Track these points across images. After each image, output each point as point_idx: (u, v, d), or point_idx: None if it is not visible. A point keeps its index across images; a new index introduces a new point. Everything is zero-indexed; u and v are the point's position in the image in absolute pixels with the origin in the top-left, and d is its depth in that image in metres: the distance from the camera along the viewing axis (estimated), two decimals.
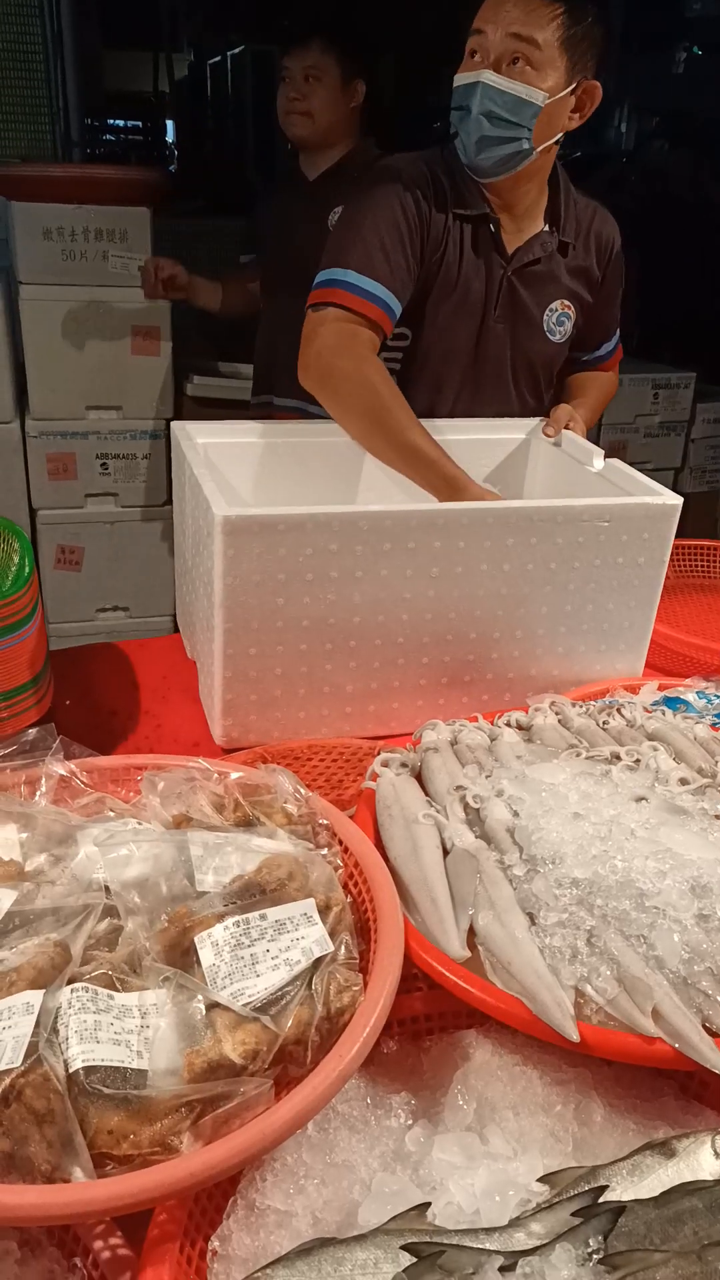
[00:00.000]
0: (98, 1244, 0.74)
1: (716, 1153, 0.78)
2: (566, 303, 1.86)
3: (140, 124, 7.63)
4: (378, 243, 1.62)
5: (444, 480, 1.56)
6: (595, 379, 2.06)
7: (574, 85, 1.62)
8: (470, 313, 1.78)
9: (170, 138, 7.32)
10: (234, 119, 6.43)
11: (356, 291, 1.61)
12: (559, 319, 1.86)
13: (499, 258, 1.76)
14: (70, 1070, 0.74)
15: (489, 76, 1.59)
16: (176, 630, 1.83)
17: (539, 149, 1.65)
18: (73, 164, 3.95)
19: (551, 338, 1.87)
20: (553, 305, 1.84)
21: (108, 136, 6.31)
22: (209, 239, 3.99)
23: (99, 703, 1.57)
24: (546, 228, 1.80)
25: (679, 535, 2.03)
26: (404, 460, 1.60)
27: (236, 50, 6.27)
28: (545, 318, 1.84)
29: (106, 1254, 0.74)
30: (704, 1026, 0.84)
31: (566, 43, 1.57)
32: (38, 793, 1.05)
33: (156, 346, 3.00)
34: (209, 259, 3.91)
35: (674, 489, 1.52)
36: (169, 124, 7.42)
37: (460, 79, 1.63)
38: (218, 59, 6.61)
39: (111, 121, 6.51)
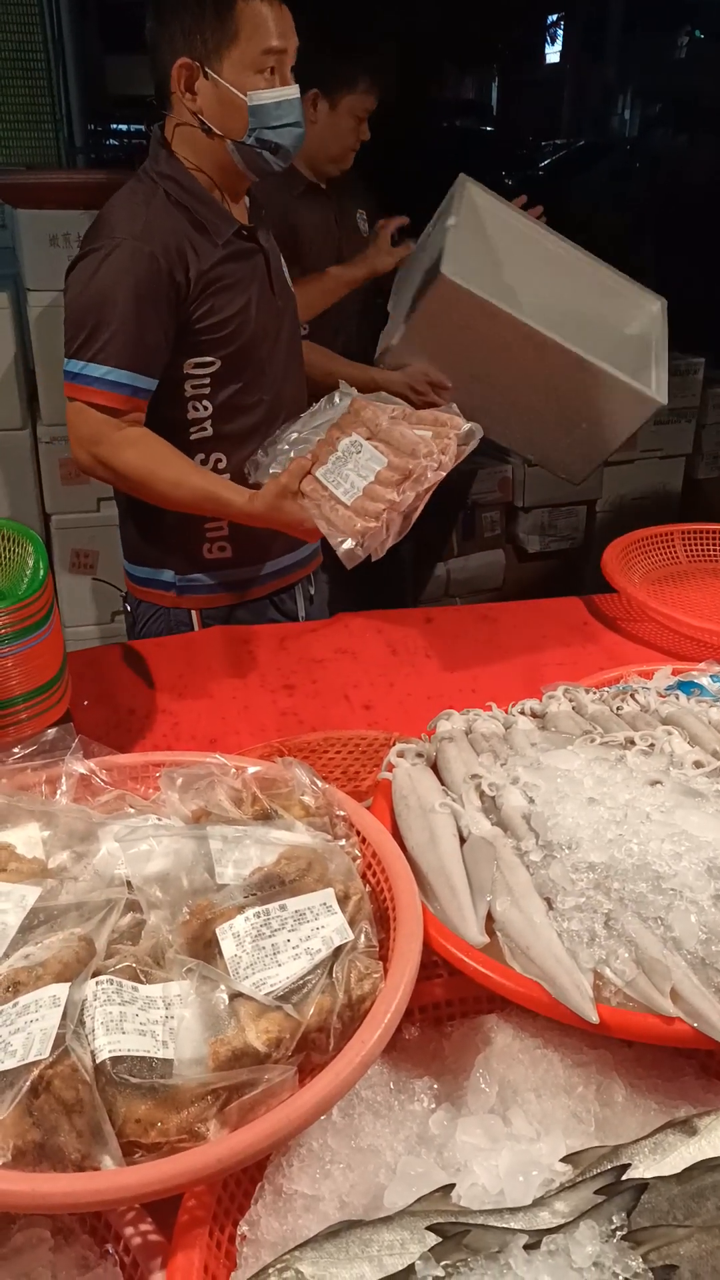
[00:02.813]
0: (129, 1230, 0.76)
1: None
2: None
3: (144, 128, 7.63)
4: (130, 329, 1.63)
5: (228, 505, 1.66)
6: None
7: None
8: (262, 307, 1.79)
9: None
10: None
11: (106, 386, 1.65)
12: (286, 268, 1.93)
13: (256, 246, 1.79)
14: (97, 1061, 0.76)
15: None
16: (191, 629, 1.86)
17: None
18: (77, 169, 3.97)
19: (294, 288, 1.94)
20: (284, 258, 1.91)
21: (111, 141, 6.31)
22: None
23: (117, 702, 1.58)
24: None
25: (692, 519, 2.04)
26: (195, 504, 1.71)
27: None
28: (287, 272, 1.91)
29: (138, 1240, 0.75)
30: None
31: None
32: (59, 791, 1.07)
33: None
34: None
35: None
36: None
37: (279, 95, 1.64)
38: None
39: (115, 126, 6.52)
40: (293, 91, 1.65)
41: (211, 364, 1.76)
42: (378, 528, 1.46)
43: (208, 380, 1.77)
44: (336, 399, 1.69)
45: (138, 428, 1.70)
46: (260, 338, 1.79)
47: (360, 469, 1.51)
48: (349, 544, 1.47)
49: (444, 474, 1.50)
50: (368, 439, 1.53)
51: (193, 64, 1.61)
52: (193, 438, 1.79)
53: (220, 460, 1.83)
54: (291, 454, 1.64)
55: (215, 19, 1.58)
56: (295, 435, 1.69)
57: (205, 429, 1.80)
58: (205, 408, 1.79)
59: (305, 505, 1.54)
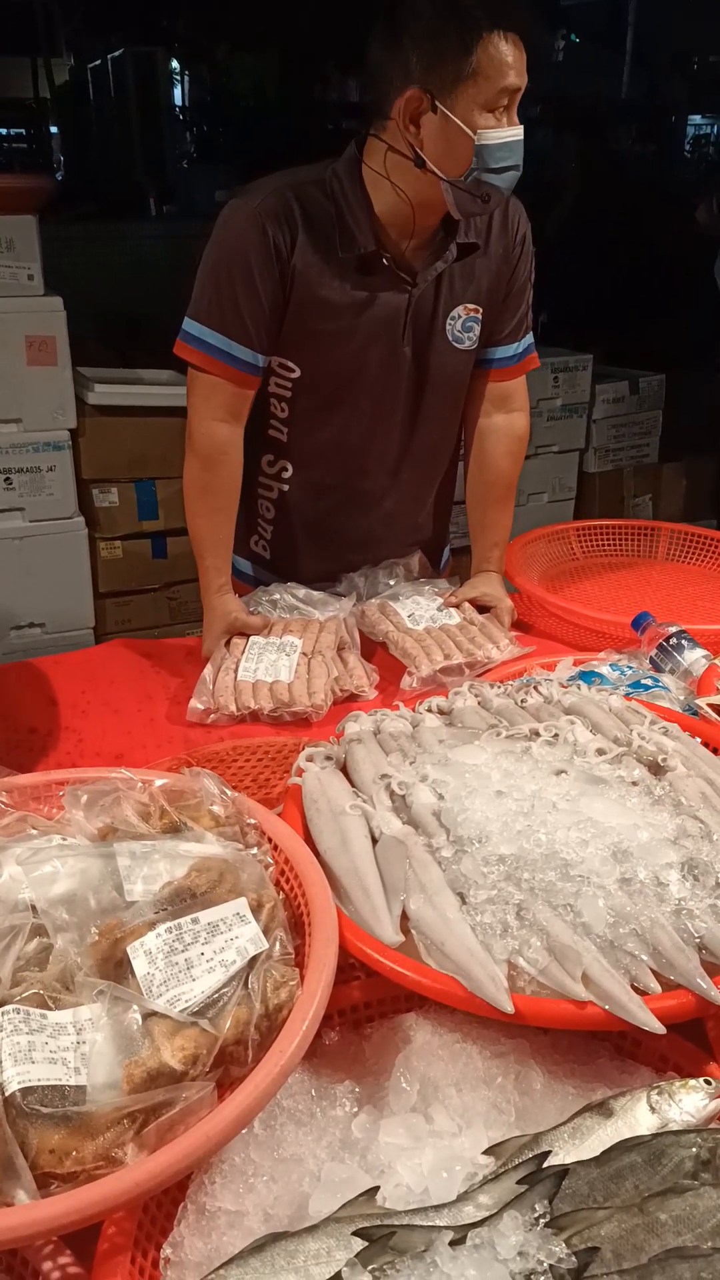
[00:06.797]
0: (46, 1265, 0.73)
1: (652, 1108, 0.80)
2: (471, 306, 1.77)
3: (23, 131, 7.48)
4: (208, 287, 1.63)
5: (202, 576, 1.73)
6: (494, 496, 1.99)
7: None
8: (376, 342, 1.71)
9: (54, 144, 7.21)
10: (118, 122, 6.35)
11: (184, 338, 1.66)
12: (464, 325, 1.78)
13: (405, 281, 1.68)
14: (6, 1093, 0.74)
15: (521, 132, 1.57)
16: (95, 643, 1.81)
17: None
18: None
19: (458, 345, 1.79)
20: (455, 312, 1.76)
21: None
22: (100, 243, 3.93)
23: (17, 721, 1.54)
24: (441, 234, 1.71)
25: (586, 516, 2.07)
26: (193, 548, 1.75)
27: (116, 53, 6.19)
28: (449, 326, 1.76)
29: (57, 1274, 0.73)
30: (632, 986, 0.87)
31: None
32: None
33: (53, 356, 2.95)
34: (101, 263, 3.87)
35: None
36: (52, 130, 7.29)
37: (507, 135, 1.53)
38: (98, 63, 6.52)
39: None
40: (519, 133, 1.55)
41: (293, 370, 1.72)
42: (222, 714, 1.54)
43: (289, 385, 1.74)
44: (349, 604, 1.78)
45: (226, 430, 1.67)
46: (355, 371, 1.72)
47: (272, 666, 1.61)
48: (200, 704, 1.55)
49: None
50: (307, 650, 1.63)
51: (423, 96, 1.51)
52: (269, 434, 1.79)
53: (285, 469, 1.82)
54: (275, 612, 1.77)
55: (457, 53, 1.48)
56: (301, 593, 1.81)
57: (280, 433, 1.78)
58: (283, 409, 1.76)
59: (220, 648, 1.67)
